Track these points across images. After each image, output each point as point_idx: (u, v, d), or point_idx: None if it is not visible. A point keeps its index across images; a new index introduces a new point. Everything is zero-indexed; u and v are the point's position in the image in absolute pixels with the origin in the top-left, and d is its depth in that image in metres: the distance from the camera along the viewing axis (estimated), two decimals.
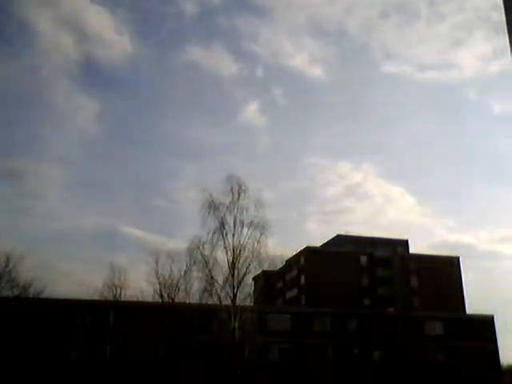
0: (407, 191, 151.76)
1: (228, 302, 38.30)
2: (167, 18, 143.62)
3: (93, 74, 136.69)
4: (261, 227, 38.73)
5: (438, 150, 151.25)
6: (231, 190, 39.26)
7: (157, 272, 47.76)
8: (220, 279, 38.53)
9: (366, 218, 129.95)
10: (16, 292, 45.00)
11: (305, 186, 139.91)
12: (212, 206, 38.99)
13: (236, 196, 39.26)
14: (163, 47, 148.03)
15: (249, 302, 41.95)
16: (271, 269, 42.90)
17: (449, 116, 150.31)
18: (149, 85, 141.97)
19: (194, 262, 39.45)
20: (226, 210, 39.13)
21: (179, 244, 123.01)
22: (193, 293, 45.18)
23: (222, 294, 38.23)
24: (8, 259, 44.56)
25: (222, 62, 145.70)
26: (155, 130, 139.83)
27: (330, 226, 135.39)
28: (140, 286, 48.90)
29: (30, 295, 45.61)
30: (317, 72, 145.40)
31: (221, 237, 38.56)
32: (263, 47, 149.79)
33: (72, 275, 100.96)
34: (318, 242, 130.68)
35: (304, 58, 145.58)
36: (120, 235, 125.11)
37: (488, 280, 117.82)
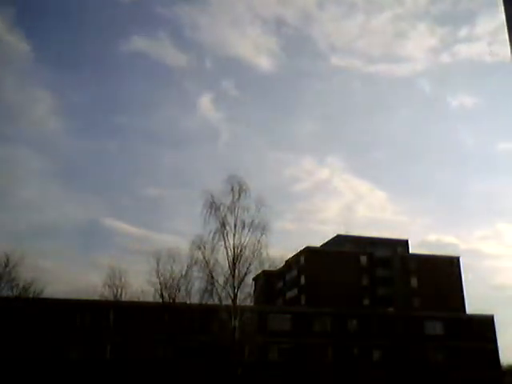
0: (377, 187, 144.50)
1: (228, 302, 38.30)
2: (103, 7, 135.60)
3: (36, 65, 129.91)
4: (261, 227, 38.81)
5: (402, 144, 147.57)
6: (232, 190, 39.32)
7: (158, 272, 47.91)
8: (220, 279, 38.59)
9: (338, 216, 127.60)
10: (16, 292, 45.03)
11: (273, 183, 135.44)
12: (213, 207, 39.04)
13: (237, 196, 39.33)
14: (105, 36, 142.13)
15: (249, 302, 41.97)
16: (271, 269, 42.90)
17: (409, 110, 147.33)
18: (102, 74, 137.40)
19: (195, 262, 39.50)
20: (226, 211, 39.18)
21: (164, 238, 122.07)
22: (193, 293, 45.25)
23: (223, 294, 38.27)
24: (8, 259, 44.59)
25: (168, 53, 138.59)
26: (122, 121, 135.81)
27: (305, 225, 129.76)
28: (141, 285, 48.96)
29: (30, 295, 45.66)
30: (264, 62, 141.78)
31: (221, 237, 38.63)
32: (207, 37, 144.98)
33: (54, 273, 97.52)
34: (295, 241, 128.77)
35: (249, 48, 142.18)
36: (104, 228, 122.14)
37: (471, 279, 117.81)
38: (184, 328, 46.29)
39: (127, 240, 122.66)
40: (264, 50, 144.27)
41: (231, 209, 39.18)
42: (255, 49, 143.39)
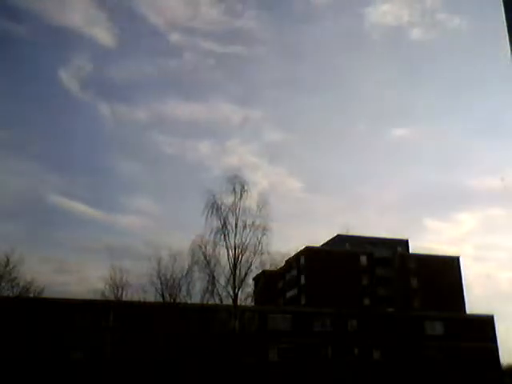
0: (290, 174, 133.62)
1: (229, 301, 38.36)
2: None
3: None
4: (262, 227, 38.90)
5: (297, 128, 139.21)
6: (233, 190, 39.40)
7: (159, 272, 47.85)
8: (221, 279, 38.74)
9: (256, 209, 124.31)
10: (16, 292, 44.92)
11: (174, 171, 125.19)
12: (215, 207, 39.12)
13: (238, 196, 39.43)
14: None
15: (249, 302, 42.08)
16: (272, 269, 42.96)
17: (283, 93, 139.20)
18: None
19: (196, 262, 39.59)
20: (228, 211, 39.26)
21: (119, 219, 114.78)
22: (194, 293, 45.27)
23: (224, 294, 38.43)
24: (8, 259, 44.49)
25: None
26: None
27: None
28: (142, 285, 48.84)
29: (30, 295, 45.57)
30: (105, 38, 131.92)
31: (223, 237, 38.72)
32: (33, 7, 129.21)
33: None
34: None
35: (82, 22, 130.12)
36: (48, 205, 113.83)
37: None
38: (184, 328, 46.21)
39: (84, 224, 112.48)
40: (99, 25, 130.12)
41: (232, 209, 39.32)
42: (89, 23, 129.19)
